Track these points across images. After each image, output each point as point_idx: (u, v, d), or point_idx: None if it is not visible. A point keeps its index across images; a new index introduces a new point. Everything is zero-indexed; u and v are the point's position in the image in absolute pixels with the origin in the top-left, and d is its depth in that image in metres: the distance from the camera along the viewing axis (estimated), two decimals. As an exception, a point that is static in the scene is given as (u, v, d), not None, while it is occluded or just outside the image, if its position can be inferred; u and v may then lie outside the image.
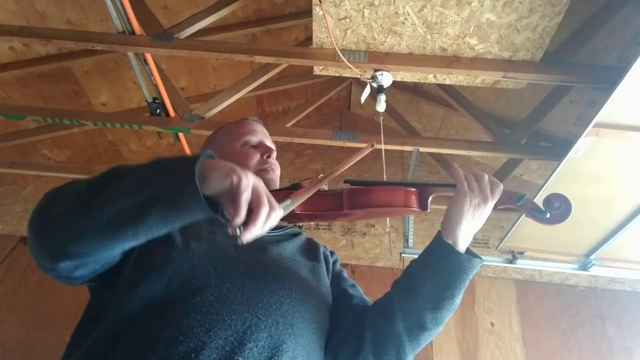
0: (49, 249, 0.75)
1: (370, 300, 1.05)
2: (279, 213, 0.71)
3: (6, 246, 2.84)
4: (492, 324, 2.58)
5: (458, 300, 0.88)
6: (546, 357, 2.48)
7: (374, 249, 2.90)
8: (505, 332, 2.55)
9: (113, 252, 0.76)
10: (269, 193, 0.71)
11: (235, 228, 0.66)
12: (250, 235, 0.67)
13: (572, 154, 1.63)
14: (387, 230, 2.97)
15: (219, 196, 0.69)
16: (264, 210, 0.68)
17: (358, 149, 1.03)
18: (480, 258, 0.89)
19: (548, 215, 0.91)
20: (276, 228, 1.05)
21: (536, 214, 0.91)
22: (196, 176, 0.66)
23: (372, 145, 1.00)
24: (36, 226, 0.75)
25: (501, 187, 0.90)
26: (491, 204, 0.89)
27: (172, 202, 0.67)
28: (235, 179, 0.67)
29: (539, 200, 0.93)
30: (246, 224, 0.67)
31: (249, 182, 0.68)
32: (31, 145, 2.97)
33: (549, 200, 0.92)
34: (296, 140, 2.25)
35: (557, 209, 0.91)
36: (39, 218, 0.75)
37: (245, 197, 0.67)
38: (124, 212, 0.68)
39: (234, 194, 0.67)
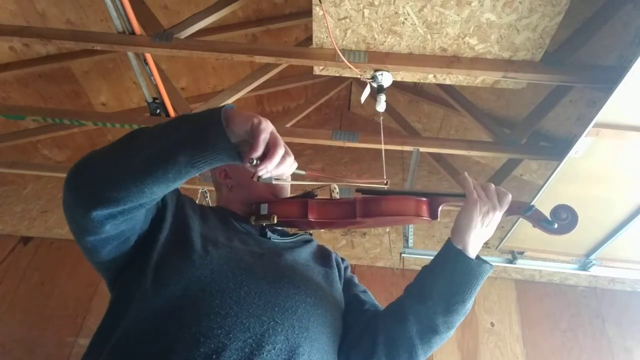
0: (85, 197, 0.78)
1: (379, 304, 1.07)
2: (292, 162, 0.79)
3: (6, 246, 2.84)
4: (492, 324, 2.58)
5: (469, 304, 0.89)
6: (546, 357, 2.48)
7: (374, 249, 2.90)
8: (505, 332, 2.55)
9: (144, 198, 0.78)
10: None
11: (252, 162, 0.73)
12: (264, 170, 0.74)
13: (572, 154, 1.63)
14: (387, 230, 2.97)
15: (240, 144, 0.75)
16: (280, 150, 0.75)
17: (372, 179, 1.08)
18: (490, 264, 0.91)
19: (555, 225, 0.93)
20: (288, 235, 1.07)
21: (544, 224, 0.94)
22: (222, 118, 0.73)
23: (386, 183, 1.04)
24: (74, 177, 0.80)
25: (509, 197, 0.92)
26: (500, 213, 0.91)
27: (201, 141, 0.73)
28: (255, 120, 0.74)
29: (541, 206, 0.95)
30: (262, 160, 0.74)
31: (268, 125, 0.75)
32: (31, 145, 2.97)
33: (556, 211, 0.95)
34: (296, 140, 2.25)
35: (564, 220, 0.94)
36: (77, 170, 0.80)
37: (264, 136, 0.73)
38: (156, 153, 0.74)
39: (254, 132, 0.73)
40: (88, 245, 0.84)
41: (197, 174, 0.79)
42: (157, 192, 0.78)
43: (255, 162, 0.73)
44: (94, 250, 0.85)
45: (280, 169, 0.77)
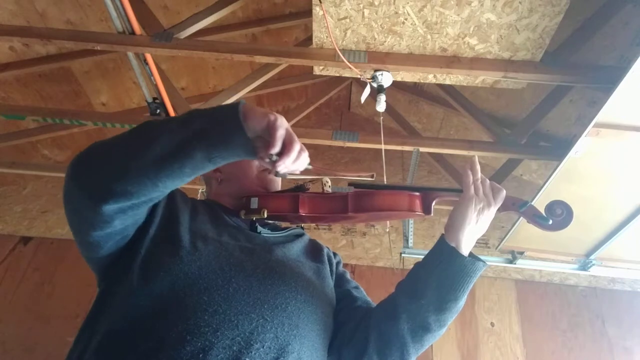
0: (95, 190, 0.75)
1: (372, 301, 1.06)
2: (306, 157, 0.79)
3: (6, 246, 2.84)
4: (492, 324, 2.58)
5: (462, 302, 0.88)
6: (546, 357, 2.48)
7: (374, 249, 2.90)
8: (505, 332, 2.55)
9: (156, 192, 0.78)
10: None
11: (271, 157, 0.75)
12: (283, 166, 0.76)
13: (572, 154, 1.63)
14: (387, 230, 2.97)
15: (255, 139, 0.75)
16: (297, 146, 0.76)
17: (361, 172, 1.06)
18: (484, 262, 0.89)
19: (550, 222, 0.92)
20: (280, 229, 1.06)
21: (538, 220, 0.92)
22: (240, 114, 0.73)
23: (372, 176, 1.03)
24: (82, 169, 0.77)
25: (504, 193, 0.91)
26: (494, 209, 0.90)
27: (219, 136, 0.73)
28: (272, 117, 0.75)
29: (540, 206, 0.93)
30: (280, 155, 0.75)
31: (283, 122, 0.75)
32: (31, 145, 2.97)
33: (551, 207, 0.93)
34: (296, 140, 2.25)
35: (559, 216, 0.92)
36: (85, 160, 0.78)
37: (280, 133, 0.74)
38: (173, 147, 0.73)
39: (271, 129, 0.74)
40: (92, 240, 0.81)
41: (212, 169, 0.79)
42: (170, 186, 0.78)
43: (274, 158, 0.75)
44: (96, 246, 0.83)
45: (297, 165, 0.78)
